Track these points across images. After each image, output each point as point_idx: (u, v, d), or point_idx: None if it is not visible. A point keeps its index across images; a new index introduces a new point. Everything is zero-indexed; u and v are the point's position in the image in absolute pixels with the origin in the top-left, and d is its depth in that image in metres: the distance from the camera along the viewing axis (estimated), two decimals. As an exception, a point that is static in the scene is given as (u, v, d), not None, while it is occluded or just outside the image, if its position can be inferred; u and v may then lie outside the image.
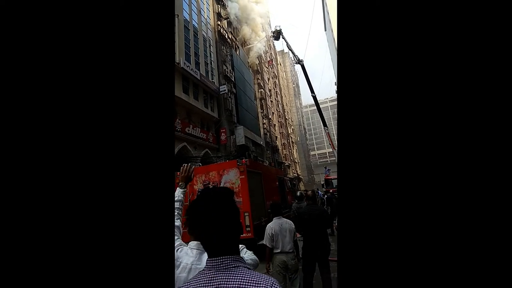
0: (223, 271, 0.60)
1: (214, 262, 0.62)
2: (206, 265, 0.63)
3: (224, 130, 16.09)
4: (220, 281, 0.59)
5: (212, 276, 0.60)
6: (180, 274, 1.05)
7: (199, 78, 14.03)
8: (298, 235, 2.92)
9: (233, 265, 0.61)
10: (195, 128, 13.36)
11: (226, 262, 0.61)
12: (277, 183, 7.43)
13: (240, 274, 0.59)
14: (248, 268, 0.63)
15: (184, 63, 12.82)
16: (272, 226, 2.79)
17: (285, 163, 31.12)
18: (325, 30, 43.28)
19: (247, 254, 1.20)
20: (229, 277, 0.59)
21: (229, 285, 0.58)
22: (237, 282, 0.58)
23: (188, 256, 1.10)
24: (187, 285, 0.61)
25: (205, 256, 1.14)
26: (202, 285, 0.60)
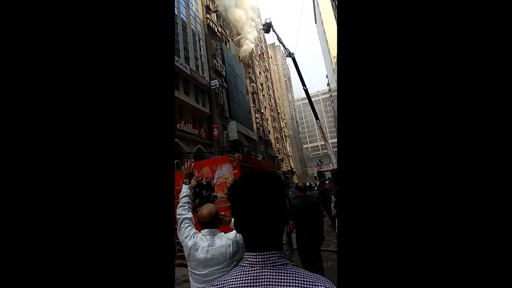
0: (269, 268, 0.52)
1: (258, 258, 0.53)
2: (245, 260, 0.54)
3: (216, 126, 15.99)
4: (269, 280, 0.50)
5: (257, 274, 0.52)
6: (199, 255, 1.27)
7: (189, 73, 13.81)
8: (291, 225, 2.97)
9: (281, 262, 0.53)
10: (186, 124, 13.22)
11: (273, 258, 0.52)
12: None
13: (292, 274, 0.51)
14: (296, 266, 0.54)
15: (174, 57, 12.55)
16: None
17: (278, 157, 31.31)
18: (315, 22, 43.05)
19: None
20: (279, 276, 0.51)
21: (282, 286, 0.49)
22: (291, 283, 0.49)
23: (203, 240, 1.31)
24: (223, 283, 0.53)
25: (217, 239, 1.32)
26: (247, 284, 0.51)
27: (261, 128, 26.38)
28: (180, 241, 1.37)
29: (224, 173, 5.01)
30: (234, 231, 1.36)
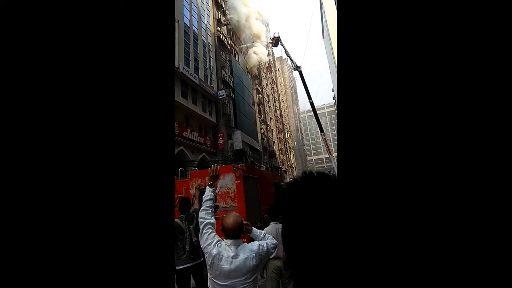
0: None
1: None
2: None
3: (221, 135, 16.11)
4: None
5: None
6: (224, 266, 1.25)
7: (198, 83, 14.11)
8: None
9: None
10: (192, 132, 13.37)
11: None
12: (273, 188, 7.44)
13: None
14: None
15: (184, 67, 12.91)
16: (269, 230, 2.78)
17: (282, 168, 31.08)
18: (323, 37, 43.83)
19: (269, 241, 1.39)
20: None
21: None
22: None
23: (227, 251, 1.28)
24: None
25: (241, 250, 1.29)
26: None
27: (265, 138, 26.41)
28: (202, 247, 1.35)
29: (227, 183, 5.03)
30: (257, 243, 1.32)
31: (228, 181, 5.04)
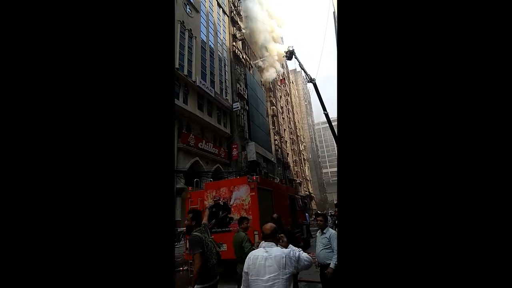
0: None
1: None
2: None
3: (235, 146, 16.28)
4: None
5: None
6: (260, 262, 1.51)
7: (213, 96, 14.54)
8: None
9: None
10: (207, 144, 13.64)
11: None
12: (288, 201, 7.30)
13: None
14: None
15: (200, 81, 13.41)
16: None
17: (296, 181, 30.57)
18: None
19: (304, 255, 1.59)
20: None
21: None
22: None
23: (261, 251, 1.56)
24: None
25: (273, 249, 1.55)
26: None
27: (279, 150, 26.30)
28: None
29: (241, 195, 5.01)
30: (290, 248, 1.62)
31: (243, 193, 5.02)
